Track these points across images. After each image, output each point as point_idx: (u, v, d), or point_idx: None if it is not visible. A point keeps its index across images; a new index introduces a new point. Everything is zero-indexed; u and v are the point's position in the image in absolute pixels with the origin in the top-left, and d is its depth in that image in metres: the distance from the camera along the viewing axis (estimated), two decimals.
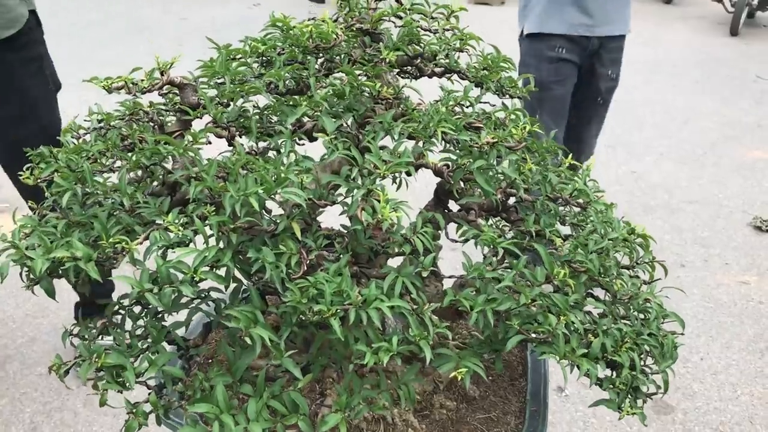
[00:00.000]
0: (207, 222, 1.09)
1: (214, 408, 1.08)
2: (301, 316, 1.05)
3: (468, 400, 1.51)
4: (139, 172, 1.22)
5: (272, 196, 1.11)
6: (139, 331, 1.26)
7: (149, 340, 1.21)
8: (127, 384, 1.14)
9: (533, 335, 1.12)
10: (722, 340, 3.28)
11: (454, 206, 1.40)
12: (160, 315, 1.29)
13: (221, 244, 1.10)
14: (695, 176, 5.03)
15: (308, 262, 1.10)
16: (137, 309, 1.33)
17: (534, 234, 1.31)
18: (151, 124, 1.28)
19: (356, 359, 1.07)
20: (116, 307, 1.33)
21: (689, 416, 2.83)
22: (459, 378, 1.11)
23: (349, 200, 1.13)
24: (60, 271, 1.13)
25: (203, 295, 1.32)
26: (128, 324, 1.31)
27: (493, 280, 1.15)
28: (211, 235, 1.10)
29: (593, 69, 3.28)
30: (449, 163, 1.23)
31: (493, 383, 1.58)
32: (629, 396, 1.29)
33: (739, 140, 5.72)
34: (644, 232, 1.38)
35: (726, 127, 5.98)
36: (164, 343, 1.25)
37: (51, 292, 1.24)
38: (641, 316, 1.35)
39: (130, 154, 1.19)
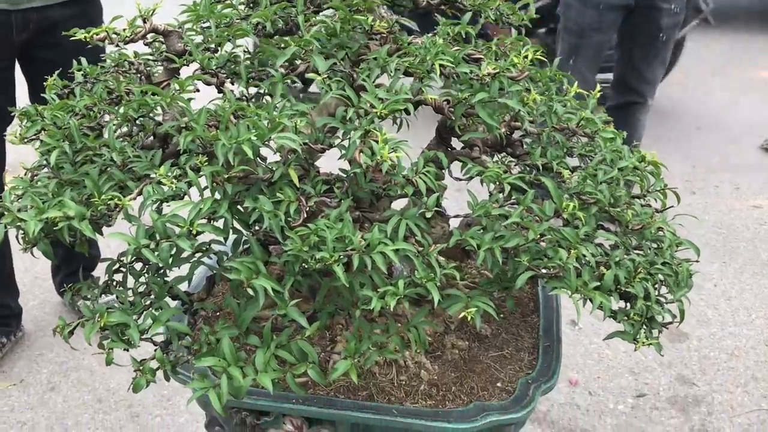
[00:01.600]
0: (200, 173, 1.05)
1: (221, 361, 1.06)
2: (303, 264, 1.01)
3: (480, 339, 1.49)
4: (129, 126, 1.17)
5: (266, 142, 1.07)
6: (141, 288, 1.24)
7: (152, 296, 1.18)
8: (132, 342, 1.12)
9: (543, 270, 1.09)
10: (735, 265, 3.26)
11: (457, 144, 1.36)
12: (161, 271, 1.27)
13: (217, 195, 1.06)
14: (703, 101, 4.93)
15: (308, 209, 1.07)
16: (138, 266, 1.31)
17: (541, 167, 1.26)
18: (138, 75, 1.23)
19: (363, 305, 1.04)
20: (117, 265, 1.30)
21: (704, 342, 2.82)
22: (469, 318, 1.08)
23: (346, 143, 1.09)
24: (54, 232, 1.10)
25: (204, 248, 1.30)
26: (130, 282, 1.29)
27: (500, 217, 1.11)
28: (206, 187, 1.06)
29: (653, 4, 3.07)
30: (449, 98, 1.18)
31: (504, 321, 1.56)
32: (644, 327, 1.27)
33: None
34: (654, 158, 1.33)
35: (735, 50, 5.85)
36: (168, 299, 1.23)
37: (49, 254, 1.21)
38: (654, 245, 1.31)
39: (117, 107, 1.15)
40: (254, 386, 1.39)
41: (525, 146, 1.32)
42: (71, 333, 1.21)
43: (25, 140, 1.19)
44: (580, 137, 1.30)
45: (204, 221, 1.05)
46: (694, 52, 5.78)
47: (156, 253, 1.03)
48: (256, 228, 1.10)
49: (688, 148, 4.31)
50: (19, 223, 1.10)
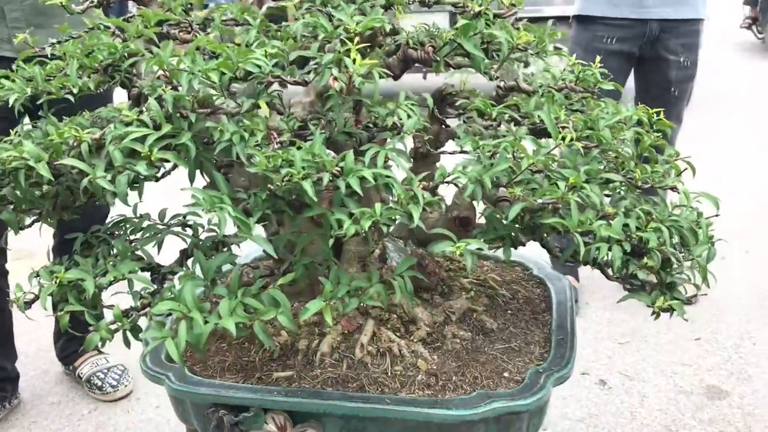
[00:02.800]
0: (163, 101, 0.98)
1: (181, 306, 0.95)
2: (269, 188, 0.92)
3: (485, 332, 1.35)
4: (99, 75, 1.12)
5: (236, 74, 1.01)
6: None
7: (117, 258, 1.09)
8: (87, 296, 1.02)
9: (539, 202, 0.98)
10: None
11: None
12: (132, 243, 1.18)
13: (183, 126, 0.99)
14: None
15: (278, 140, 0.99)
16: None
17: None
18: (114, 37, 1.20)
19: (335, 232, 0.93)
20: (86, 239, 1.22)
21: (746, 400, 2.58)
22: (458, 253, 0.96)
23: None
24: (10, 177, 1.03)
25: (179, 221, 1.21)
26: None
27: (490, 148, 1.02)
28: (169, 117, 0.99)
29: (659, 55, 2.97)
30: (433, 43, 1.12)
31: (512, 316, 1.42)
32: (663, 294, 1.13)
33: None
34: (663, 119, 1.24)
35: None
36: (138, 271, 1.13)
37: (12, 223, 1.14)
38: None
39: (86, 57, 1.10)
40: (235, 381, 1.26)
41: (520, 109, 1.24)
42: (28, 304, 1.11)
43: None
44: (578, 93, 1.22)
45: (164, 151, 0.97)
46: None
47: (113, 183, 0.95)
48: (224, 166, 1.02)
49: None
50: None
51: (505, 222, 1.04)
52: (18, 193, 1.08)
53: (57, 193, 1.15)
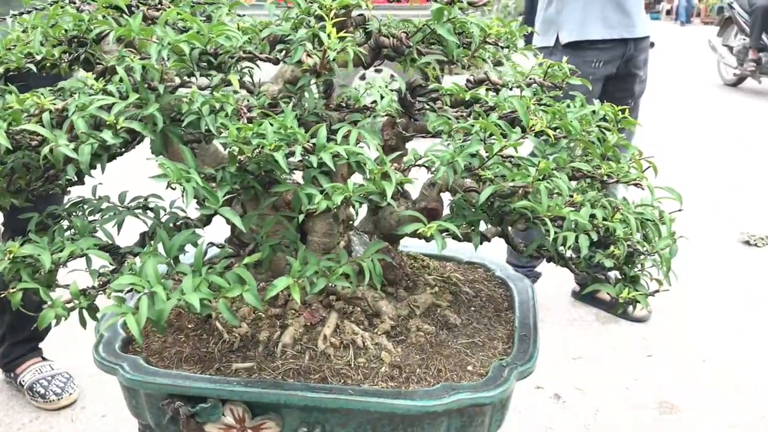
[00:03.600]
0: (131, 73, 0.95)
1: (143, 281, 0.91)
2: (240, 160, 0.90)
3: (449, 327, 1.34)
4: (64, 47, 1.08)
5: (207, 47, 0.99)
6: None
7: (75, 234, 1.05)
8: (43, 272, 0.97)
9: (510, 185, 0.98)
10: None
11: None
12: (91, 223, 1.14)
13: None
14: None
15: (248, 115, 0.97)
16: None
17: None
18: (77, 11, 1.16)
19: (306, 207, 0.92)
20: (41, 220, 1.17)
21: (698, 414, 2.62)
22: (429, 234, 0.95)
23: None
24: None
25: (140, 203, 1.18)
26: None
27: (461, 132, 1.01)
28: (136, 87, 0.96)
29: (629, 72, 3.09)
30: (406, 30, 1.12)
31: (475, 313, 1.41)
32: (627, 287, 1.14)
33: None
34: (627, 114, 1.26)
35: None
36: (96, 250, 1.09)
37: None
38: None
39: (46, 28, 1.07)
40: (192, 372, 1.23)
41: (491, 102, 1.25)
42: None
43: None
44: (547, 89, 1.23)
45: (130, 120, 0.94)
46: None
47: (75, 152, 0.91)
48: (192, 139, 0.99)
49: None
50: None
51: (474, 208, 1.03)
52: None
53: (12, 170, 1.11)
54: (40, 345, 2.79)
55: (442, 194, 1.23)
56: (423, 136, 1.14)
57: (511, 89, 1.21)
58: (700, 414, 2.61)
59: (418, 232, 1.02)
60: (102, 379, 2.80)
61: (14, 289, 0.99)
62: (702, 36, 10.03)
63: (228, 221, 0.96)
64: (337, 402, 1.14)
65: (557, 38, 3.01)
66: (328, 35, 0.91)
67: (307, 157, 0.90)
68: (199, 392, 1.18)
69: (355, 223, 1.37)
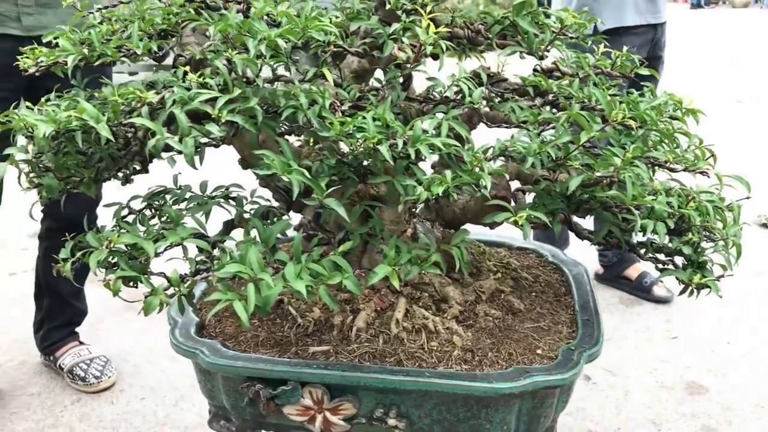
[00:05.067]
0: (231, 66, 0.98)
1: (248, 269, 0.95)
2: (342, 153, 0.93)
3: (513, 312, 1.38)
4: (153, 41, 1.11)
5: (298, 42, 1.02)
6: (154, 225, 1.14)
7: (169, 224, 1.08)
8: (145, 260, 1.01)
9: (597, 174, 1.01)
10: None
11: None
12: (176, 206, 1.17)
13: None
14: None
15: (342, 109, 1.00)
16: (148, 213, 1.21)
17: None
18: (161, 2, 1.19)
19: (405, 198, 0.95)
20: (125, 212, 1.20)
21: (724, 395, 2.67)
22: (520, 223, 0.98)
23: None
24: (67, 137, 1.01)
25: (222, 192, 1.21)
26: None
27: (545, 124, 1.04)
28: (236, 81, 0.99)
29: (655, 55, 3.17)
30: (485, 20, 1.14)
31: (537, 298, 1.45)
32: (696, 272, 1.17)
33: None
34: (692, 104, 1.29)
35: None
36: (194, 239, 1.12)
37: (53, 189, 1.13)
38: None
39: (140, 21, 1.09)
40: (270, 356, 1.26)
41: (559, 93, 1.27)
42: (74, 264, 1.09)
43: (41, 66, 1.12)
44: (616, 78, 1.26)
45: (232, 113, 0.97)
46: None
47: (181, 144, 0.94)
48: (287, 129, 1.02)
49: None
50: (27, 130, 1.01)
51: (553, 197, 1.07)
52: (66, 158, 1.07)
53: (101, 160, 1.14)
54: (77, 330, 2.83)
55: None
56: (499, 126, 1.17)
57: (579, 78, 1.24)
58: (728, 395, 2.66)
59: (499, 220, 1.05)
60: (137, 362, 2.86)
61: (116, 278, 1.02)
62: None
63: (323, 210, 0.99)
64: (416, 384, 1.18)
65: (595, 25, 3.04)
66: (426, 30, 0.94)
67: (404, 149, 0.93)
68: (280, 375, 1.22)
69: (418, 209, 1.40)
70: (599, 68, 1.26)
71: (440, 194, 0.91)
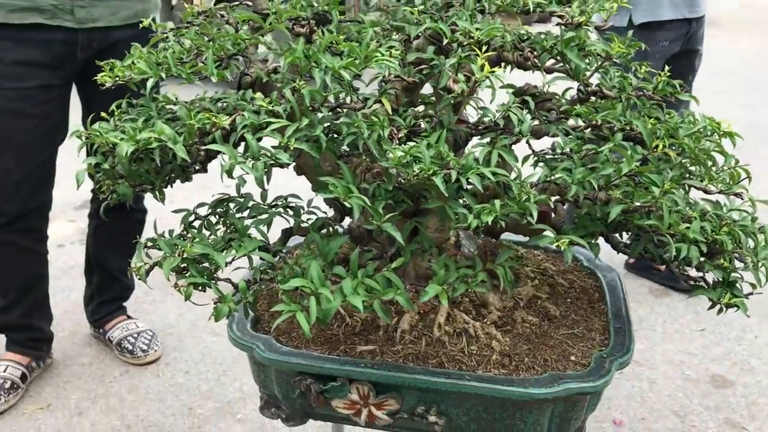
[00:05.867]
0: (296, 96, 1.06)
1: (309, 283, 1.04)
2: (398, 180, 1.01)
3: (549, 318, 1.46)
4: (224, 64, 1.19)
5: (360, 73, 1.09)
6: (220, 233, 1.23)
7: (234, 234, 1.17)
8: (215, 268, 1.10)
9: (637, 204, 1.08)
10: None
11: None
12: (240, 216, 1.26)
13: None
14: None
15: (399, 137, 1.07)
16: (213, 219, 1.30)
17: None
18: (227, 25, 1.27)
19: (455, 224, 1.03)
20: (192, 218, 1.30)
21: (750, 389, 2.73)
22: (563, 248, 1.06)
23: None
24: (146, 154, 1.11)
25: (282, 202, 1.30)
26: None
27: (589, 155, 1.11)
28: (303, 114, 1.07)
29: (690, 48, 3.17)
30: (534, 47, 1.20)
31: (572, 304, 1.52)
32: (726, 291, 1.24)
33: None
34: (729, 128, 1.34)
35: None
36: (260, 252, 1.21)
37: (129, 195, 1.22)
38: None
39: (212, 43, 1.18)
40: (322, 353, 1.36)
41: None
42: (148, 272, 1.19)
43: (117, 80, 1.21)
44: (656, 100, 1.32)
45: (298, 142, 1.05)
46: None
47: (253, 168, 1.03)
48: (346, 155, 1.10)
49: None
50: (110, 146, 1.11)
51: (594, 220, 1.14)
52: (139, 167, 1.16)
53: (172, 170, 1.23)
54: (124, 304, 2.97)
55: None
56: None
57: (621, 101, 1.30)
58: (753, 390, 2.72)
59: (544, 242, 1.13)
60: (181, 337, 2.99)
61: (187, 285, 1.12)
62: None
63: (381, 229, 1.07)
64: (456, 386, 1.27)
65: (630, 18, 3.04)
66: (481, 68, 1.01)
67: (456, 178, 1.00)
68: (330, 372, 1.31)
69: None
70: (641, 90, 1.32)
71: (488, 223, 0.99)
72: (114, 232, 2.68)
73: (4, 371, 2.59)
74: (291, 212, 1.27)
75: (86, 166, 1.22)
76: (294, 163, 1.22)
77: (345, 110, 1.10)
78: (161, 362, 2.82)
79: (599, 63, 1.20)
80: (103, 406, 2.57)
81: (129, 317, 2.94)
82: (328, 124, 1.09)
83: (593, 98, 1.33)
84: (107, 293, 2.88)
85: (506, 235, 1.70)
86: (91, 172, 1.23)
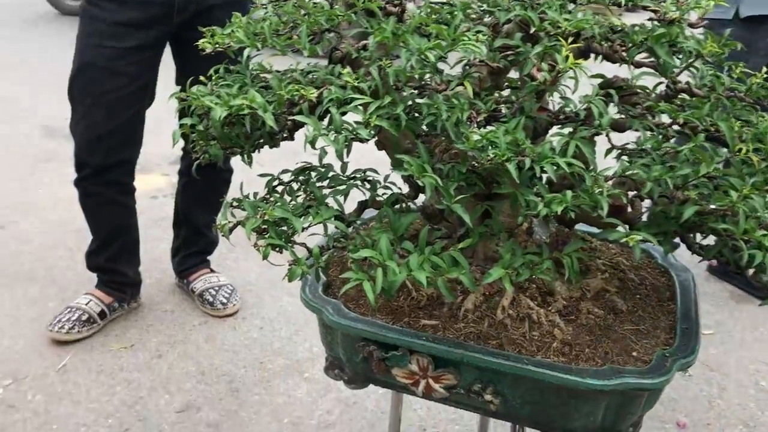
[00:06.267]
0: (381, 74, 1.10)
1: (378, 255, 1.09)
2: (472, 164, 1.04)
3: (616, 312, 1.45)
4: (317, 38, 1.24)
5: (445, 55, 1.12)
6: (299, 200, 1.29)
7: (313, 202, 1.23)
8: (292, 232, 1.16)
9: (712, 207, 1.07)
10: None
11: None
12: (320, 184, 1.32)
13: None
14: None
15: (477, 120, 1.10)
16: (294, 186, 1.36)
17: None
18: (323, 0, 1.31)
19: (525, 211, 1.05)
20: (275, 183, 1.37)
21: None
22: (632, 244, 1.06)
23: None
24: (238, 120, 1.17)
25: (360, 175, 1.35)
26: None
27: (669, 153, 1.10)
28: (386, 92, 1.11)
29: None
30: (624, 39, 1.20)
31: (640, 301, 1.52)
32: None
33: None
34: None
35: None
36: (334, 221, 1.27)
37: (219, 156, 1.29)
38: None
39: (306, 16, 1.23)
40: (387, 322, 1.41)
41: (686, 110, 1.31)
42: (231, 230, 1.26)
43: (217, 46, 1.28)
44: (747, 102, 1.28)
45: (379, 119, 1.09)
46: None
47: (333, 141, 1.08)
48: (425, 135, 1.14)
49: None
50: (205, 109, 1.18)
51: (668, 218, 1.13)
52: (231, 131, 1.23)
53: (260, 136, 1.30)
54: (208, 258, 3.12)
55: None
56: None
57: (710, 101, 1.27)
58: None
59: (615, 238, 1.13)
60: (259, 294, 3.12)
61: (265, 245, 1.18)
62: None
63: (449, 212, 1.10)
64: (513, 369, 1.30)
65: (737, 11, 2.91)
66: (565, 57, 1.02)
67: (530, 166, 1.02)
68: (393, 341, 1.36)
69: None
70: (733, 90, 1.29)
71: (558, 212, 1.01)
72: (201, 190, 2.81)
73: (86, 304, 2.78)
74: (368, 185, 1.31)
75: (182, 127, 1.30)
76: (375, 138, 1.27)
77: (428, 91, 1.13)
78: (238, 316, 2.95)
79: (690, 60, 1.18)
80: (181, 352, 2.72)
81: (212, 271, 3.08)
82: (410, 103, 1.12)
83: (682, 95, 1.31)
84: (193, 247, 3.03)
85: (583, 227, 1.71)
86: (187, 132, 1.31)
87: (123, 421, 2.35)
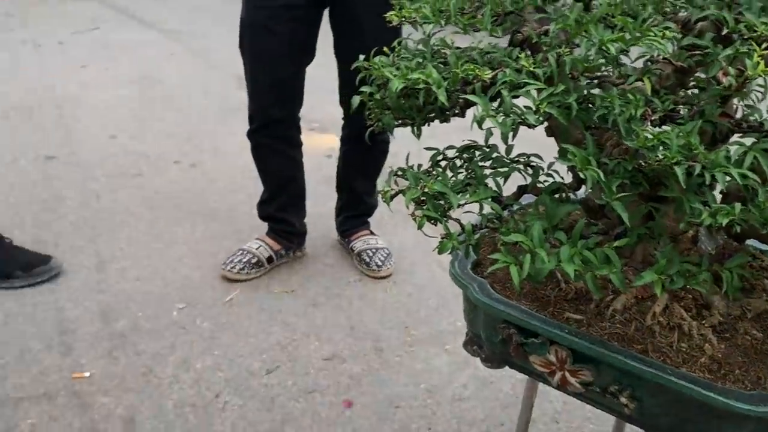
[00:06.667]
0: (559, 61, 1.10)
1: (528, 241, 1.10)
2: (639, 162, 1.02)
3: None
4: (500, 20, 1.26)
5: (628, 49, 1.09)
6: (460, 177, 1.33)
7: (473, 180, 1.26)
8: (448, 207, 1.20)
9: None
10: None
11: None
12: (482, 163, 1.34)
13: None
14: None
15: (651, 119, 1.07)
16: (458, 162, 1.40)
17: None
18: None
19: (689, 218, 1.02)
20: (439, 158, 1.41)
21: None
22: None
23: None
24: (413, 93, 1.22)
25: (524, 159, 1.36)
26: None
27: None
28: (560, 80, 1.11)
29: None
30: None
31: None
32: None
33: None
34: None
35: None
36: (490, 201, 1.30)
37: (392, 126, 1.35)
38: None
39: (492, 3, 1.25)
40: (531, 309, 1.42)
41: None
42: (392, 197, 1.32)
43: (403, 20, 1.33)
44: None
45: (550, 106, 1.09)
46: None
47: (501, 122, 1.10)
48: (594, 127, 1.13)
49: None
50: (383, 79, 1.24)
51: None
52: (405, 102, 1.28)
53: (432, 111, 1.34)
54: (368, 220, 3.25)
55: None
56: None
57: None
58: None
59: None
60: (413, 261, 3.20)
61: (421, 214, 1.23)
62: None
63: (609, 208, 1.09)
64: (655, 377, 1.26)
65: None
66: (756, 64, 0.96)
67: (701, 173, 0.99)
68: (534, 329, 1.37)
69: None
70: None
71: (723, 225, 0.97)
72: (361, 158, 2.94)
73: (257, 248, 3.02)
74: (530, 170, 1.32)
75: (361, 94, 1.37)
76: (545, 125, 1.27)
77: (604, 83, 1.11)
78: (391, 280, 3.06)
79: None
80: (335, 305, 2.87)
81: (371, 233, 3.21)
82: (584, 93, 1.11)
83: None
84: (353, 210, 3.18)
85: (757, 244, 1.61)
86: (365, 100, 1.38)
87: (275, 359, 2.53)
